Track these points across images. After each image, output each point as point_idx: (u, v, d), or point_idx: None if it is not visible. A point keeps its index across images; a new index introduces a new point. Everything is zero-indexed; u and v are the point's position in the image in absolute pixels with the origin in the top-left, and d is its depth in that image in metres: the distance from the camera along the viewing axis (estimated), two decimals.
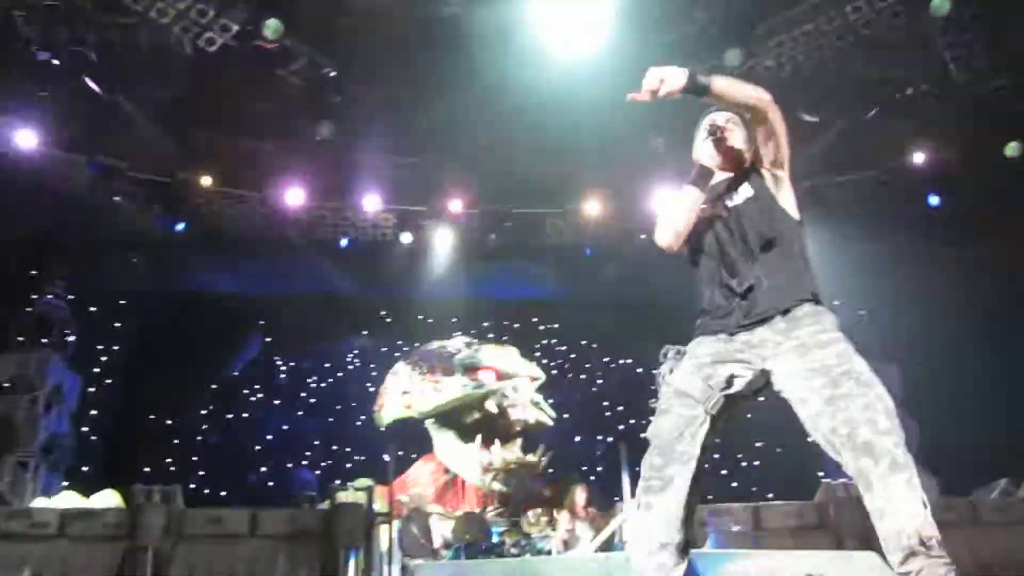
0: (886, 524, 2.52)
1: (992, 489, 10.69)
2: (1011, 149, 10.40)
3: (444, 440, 11.81)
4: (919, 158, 11.21)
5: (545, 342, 13.83)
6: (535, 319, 13.92)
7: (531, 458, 11.52)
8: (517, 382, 11.77)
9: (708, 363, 2.88)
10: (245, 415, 12.79)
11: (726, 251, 3.01)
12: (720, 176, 3.17)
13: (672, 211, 3.11)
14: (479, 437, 11.50)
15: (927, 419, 11.76)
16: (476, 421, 11.76)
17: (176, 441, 12.35)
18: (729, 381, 2.85)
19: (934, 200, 11.87)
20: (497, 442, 11.58)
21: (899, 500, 2.51)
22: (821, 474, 12.22)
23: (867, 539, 8.54)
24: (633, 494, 9.11)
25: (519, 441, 11.82)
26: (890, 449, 2.57)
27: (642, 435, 2.96)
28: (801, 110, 9.94)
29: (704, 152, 3.14)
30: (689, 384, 2.86)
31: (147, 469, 11.56)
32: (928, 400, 11.71)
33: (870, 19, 8.90)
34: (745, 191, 3.10)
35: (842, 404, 2.65)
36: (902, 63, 10.08)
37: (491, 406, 11.58)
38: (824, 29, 9.03)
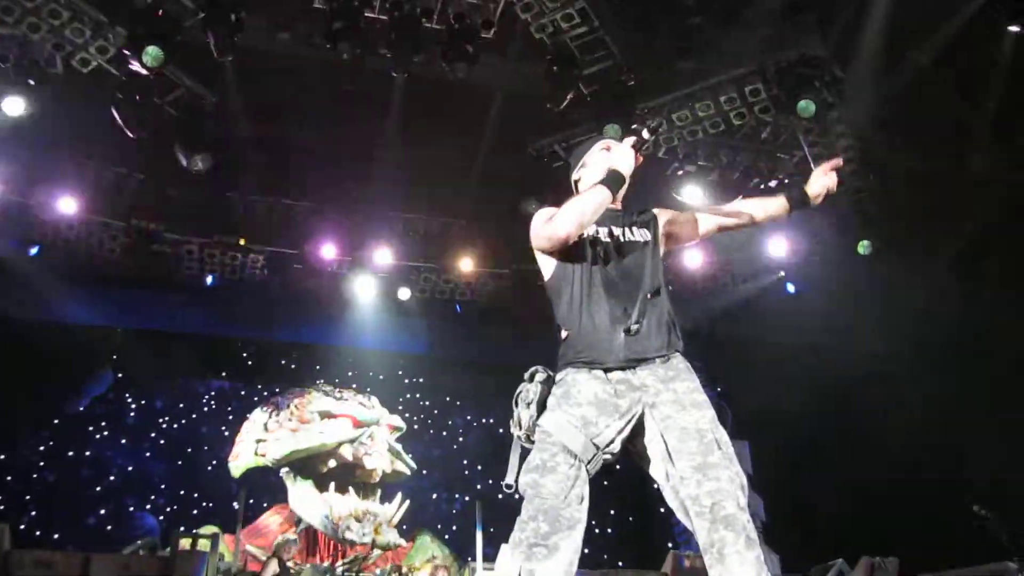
0: None
1: (828, 568, 11.11)
2: (863, 247, 11.01)
3: (298, 489, 11.65)
4: (779, 248, 11.77)
5: (409, 396, 13.69)
6: (400, 372, 13.79)
7: (386, 508, 11.46)
8: (374, 430, 11.80)
9: (592, 417, 2.77)
10: (87, 453, 12.09)
11: (612, 282, 2.98)
12: (613, 206, 3.16)
13: (581, 204, 3.00)
14: (332, 485, 11.40)
15: (771, 497, 12.22)
16: (332, 470, 11.65)
17: (8, 478, 11.57)
18: (612, 441, 2.79)
19: (791, 288, 12.48)
20: (352, 491, 11.49)
21: (752, 575, 2.56)
22: (670, 544, 12.48)
23: None
24: (486, 555, 9.09)
25: (378, 492, 11.78)
26: (746, 525, 2.63)
27: (504, 484, 2.87)
28: (671, 191, 10.30)
29: (621, 162, 3.07)
30: (573, 441, 2.74)
31: None
32: (772, 478, 12.16)
33: (742, 112, 9.36)
34: (639, 233, 3.13)
35: (712, 474, 2.67)
36: (769, 157, 10.62)
37: (346, 453, 11.54)
38: (699, 116, 9.43)
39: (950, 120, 9.59)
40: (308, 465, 11.84)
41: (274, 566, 9.39)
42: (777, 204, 3.15)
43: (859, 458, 11.31)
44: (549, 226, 3.01)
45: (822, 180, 3.04)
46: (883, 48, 8.66)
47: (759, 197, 3.26)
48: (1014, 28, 8.41)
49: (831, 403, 12.20)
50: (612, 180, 3.03)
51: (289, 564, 10.33)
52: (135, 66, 8.18)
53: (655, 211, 3.27)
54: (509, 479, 2.85)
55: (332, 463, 11.75)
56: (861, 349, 12.34)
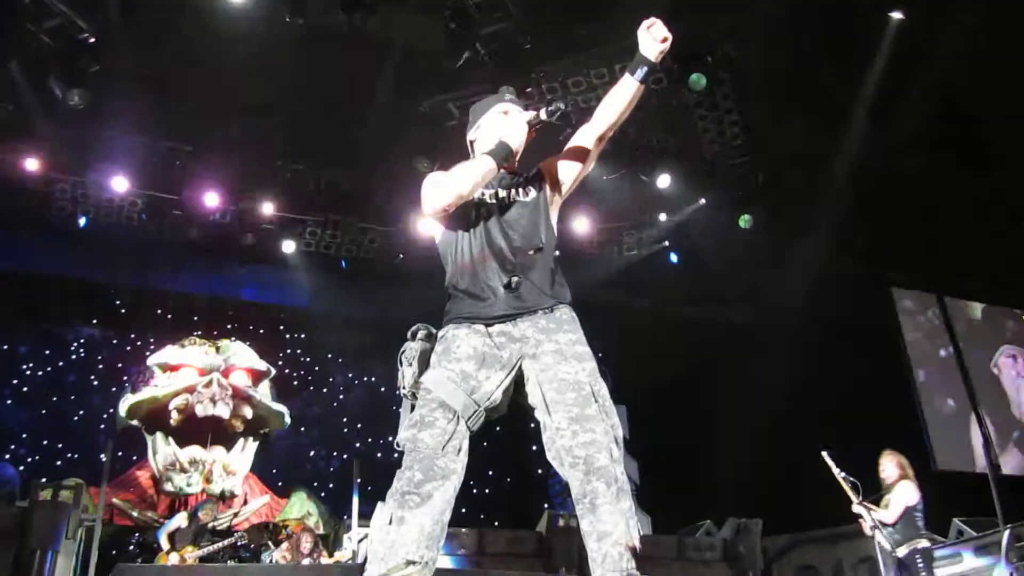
0: (605, 546, 2.59)
1: (696, 529, 11.57)
2: (744, 220, 11.36)
3: (150, 444, 11.57)
4: (663, 217, 12.02)
5: (289, 351, 13.47)
6: (281, 327, 13.55)
7: (220, 454, 11.50)
8: (215, 377, 11.71)
9: (472, 371, 2.80)
10: None
11: (494, 240, 3.00)
12: (505, 167, 3.16)
13: (463, 176, 3.01)
14: (171, 439, 11.36)
15: (645, 460, 12.60)
16: (178, 422, 11.60)
17: None
18: (492, 395, 2.81)
19: (674, 258, 12.80)
20: (195, 442, 11.50)
21: (623, 526, 2.61)
22: (545, 505, 12.75)
23: (580, 568, 9.00)
24: (362, 513, 9.08)
25: (239, 442, 11.73)
26: (618, 477, 2.68)
27: (395, 441, 2.82)
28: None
29: (512, 135, 3.10)
30: (453, 397, 2.76)
31: None
32: (647, 442, 12.53)
33: None
34: (524, 194, 3.15)
35: (587, 426, 2.71)
36: (658, 127, 10.79)
37: (179, 404, 11.49)
38: (594, 83, 9.49)
39: (832, 100, 9.93)
40: (155, 419, 11.66)
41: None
42: (623, 84, 3.13)
43: (730, 424, 11.74)
44: (433, 194, 3.02)
45: (645, 37, 3.05)
46: (772, 27, 8.88)
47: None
48: (896, 15, 8.76)
49: (706, 370, 12.62)
50: (499, 152, 3.05)
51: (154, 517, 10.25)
52: None
53: (540, 165, 3.29)
54: (399, 434, 2.81)
55: (175, 415, 11.64)
56: (736, 318, 12.79)
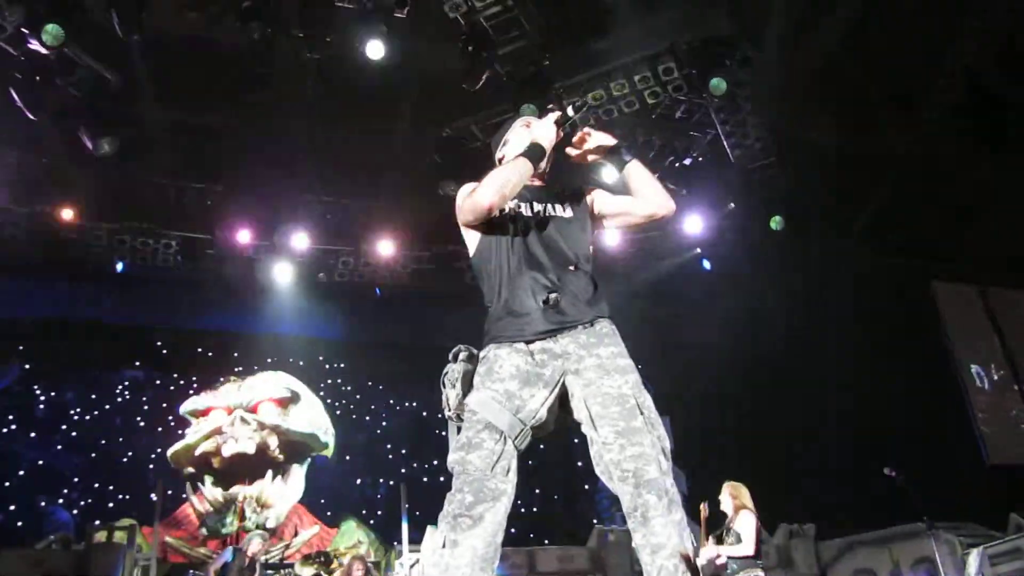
0: (660, 558, 2.57)
1: None
2: (775, 223, 11.25)
3: (193, 488, 11.83)
4: (694, 225, 11.95)
5: (330, 381, 13.55)
6: (320, 357, 13.64)
7: (252, 490, 11.60)
8: (239, 415, 11.83)
9: (516, 390, 2.78)
10: None
11: (532, 256, 2.99)
12: (535, 182, 3.19)
13: (502, 175, 3.02)
14: (208, 480, 11.59)
15: (692, 470, 12.48)
16: (219, 464, 11.76)
17: None
18: (537, 413, 2.80)
19: (707, 264, 12.71)
20: (235, 481, 11.60)
21: (676, 537, 2.59)
22: (595, 521, 12.67)
23: None
24: (411, 538, 9.09)
25: (271, 475, 11.81)
26: (669, 489, 2.66)
27: (446, 464, 2.82)
28: (588, 170, 10.39)
29: (542, 134, 3.12)
30: (498, 418, 2.74)
31: None
32: (693, 453, 12.42)
33: (656, 91, 9.47)
34: (564, 210, 3.15)
35: (634, 439, 2.69)
36: (683, 135, 10.76)
37: (209, 447, 11.64)
38: (615, 95, 9.50)
39: (858, 97, 9.86)
40: (201, 464, 11.82)
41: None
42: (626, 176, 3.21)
43: (777, 430, 11.61)
44: (471, 198, 3.01)
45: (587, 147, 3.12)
46: (793, 26, 8.84)
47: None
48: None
49: (749, 376, 12.49)
50: (532, 152, 3.06)
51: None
52: (34, 45, 7.87)
53: (585, 188, 3.30)
54: (448, 459, 2.81)
55: (214, 460, 11.80)
56: (776, 322, 12.66)
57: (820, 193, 11.16)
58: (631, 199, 3.23)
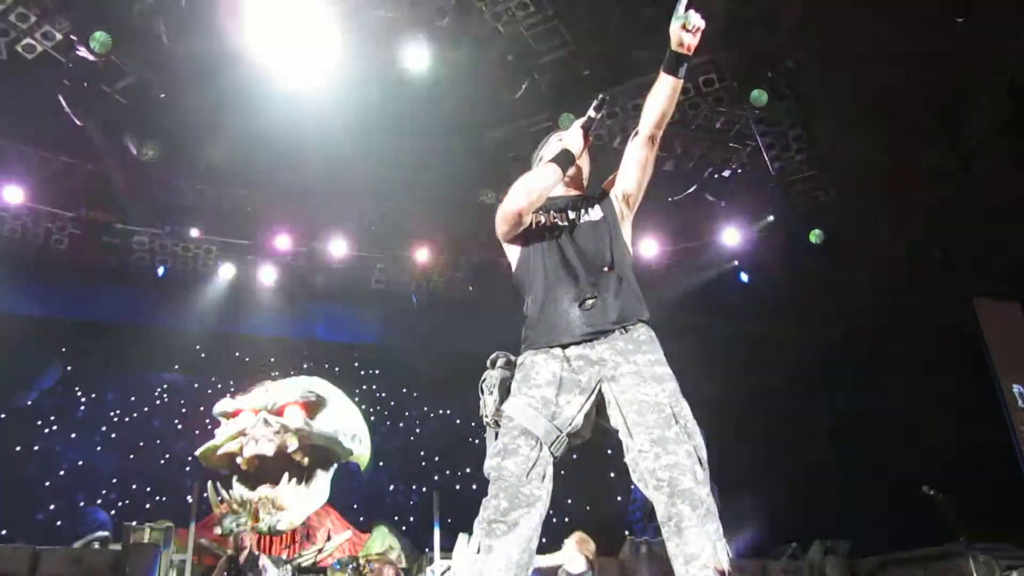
0: (693, 569, 2.55)
1: (781, 553, 11.32)
2: (815, 236, 11.15)
3: (215, 489, 11.94)
4: (732, 237, 11.87)
5: (365, 387, 13.64)
6: (356, 363, 13.73)
7: (269, 492, 11.63)
8: (264, 416, 11.91)
9: (552, 396, 2.78)
10: (36, 448, 11.88)
11: (568, 262, 2.99)
12: (563, 191, 3.20)
13: (532, 179, 3.06)
14: (234, 480, 11.68)
15: (724, 483, 12.35)
16: (247, 464, 11.84)
17: None
18: (573, 419, 2.79)
19: (744, 277, 12.62)
20: (262, 482, 11.70)
21: (710, 548, 2.57)
22: (627, 532, 12.61)
23: None
24: (443, 545, 9.11)
25: (286, 478, 11.83)
26: (704, 499, 2.63)
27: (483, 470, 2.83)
28: None
29: (571, 141, 3.14)
30: (534, 424, 2.74)
31: None
32: (725, 466, 12.30)
33: (696, 102, 9.44)
34: (593, 213, 3.14)
35: (669, 448, 2.67)
36: (722, 146, 10.71)
37: (233, 448, 11.74)
38: None
39: (901, 110, 9.75)
40: (226, 465, 11.98)
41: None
42: (660, 82, 3.07)
43: (812, 445, 11.50)
44: (501, 206, 3.05)
45: (675, 32, 3.00)
46: (834, 38, 8.78)
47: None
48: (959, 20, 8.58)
49: (785, 389, 12.38)
50: (561, 157, 3.09)
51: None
52: (82, 52, 8.03)
53: (603, 185, 3.29)
54: (484, 465, 2.82)
55: (238, 461, 11.90)
56: (813, 336, 12.53)
57: (861, 207, 11.03)
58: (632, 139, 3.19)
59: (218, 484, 11.84)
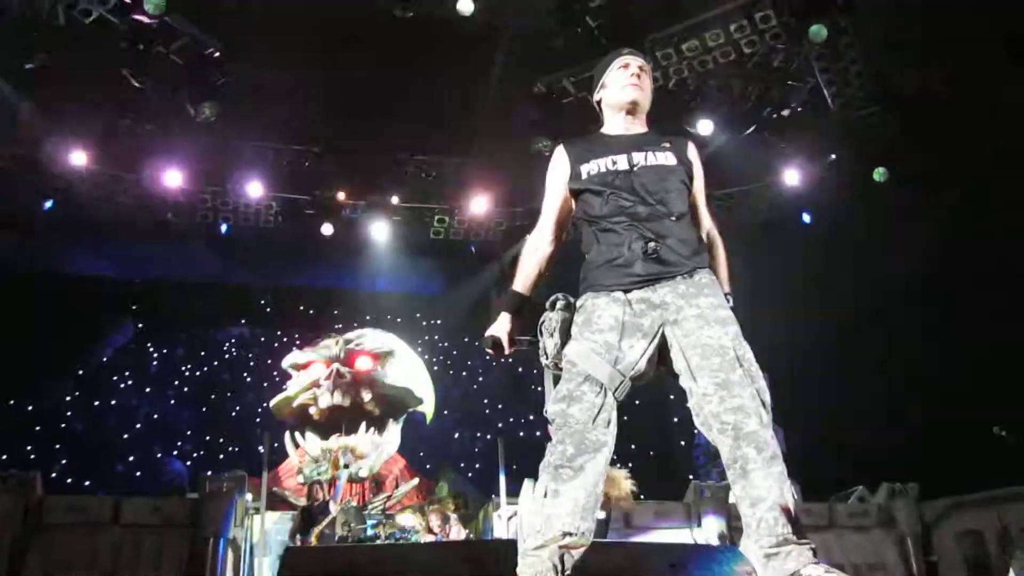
0: (760, 511, 2.57)
1: (848, 495, 11.22)
2: (879, 174, 10.85)
3: (293, 439, 12.12)
4: (793, 177, 11.63)
5: (427, 337, 13.80)
6: (418, 314, 13.88)
7: (348, 440, 11.81)
8: (336, 367, 12.02)
9: (615, 341, 2.78)
10: (113, 402, 12.32)
11: (633, 204, 2.95)
12: (624, 128, 3.17)
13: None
14: (307, 431, 12.00)
15: (790, 426, 12.27)
16: (321, 414, 12.00)
17: (38, 428, 11.80)
18: (637, 364, 2.79)
19: (806, 218, 12.38)
20: (332, 432, 12.01)
21: (777, 490, 2.58)
22: (691, 476, 12.63)
23: (729, 537, 8.91)
24: (509, 491, 9.24)
25: (364, 427, 12.02)
26: (769, 441, 2.64)
27: (544, 412, 2.84)
28: (683, 123, 10.19)
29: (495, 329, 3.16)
30: (598, 370, 2.74)
31: (3, 456, 11.06)
32: (791, 408, 12.21)
33: (753, 40, 9.21)
34: (663, 157, 3.07)
35: (734, 391, 2.66)
36: (781, 85, 10.46)
37: (306, 399, 11.88)
38: (709, 46, 9.28)
39: (965, 42, 9.40)
40: (301, 416, 12.14)
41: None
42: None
43: (877, 386, 11.33)
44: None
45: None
46: None
47: None
48: None
49: (851, 330, 12.18)
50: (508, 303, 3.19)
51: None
52: (138, 15, 8.12)
53: (692, 147, 3.21)
54: (546, 407, 2.83)
55: (312, 410, 12.07)
56: (878, 277, 12.28)
57: (926, 143, 10.71)
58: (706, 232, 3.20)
59: (295, 434, 12.07)
